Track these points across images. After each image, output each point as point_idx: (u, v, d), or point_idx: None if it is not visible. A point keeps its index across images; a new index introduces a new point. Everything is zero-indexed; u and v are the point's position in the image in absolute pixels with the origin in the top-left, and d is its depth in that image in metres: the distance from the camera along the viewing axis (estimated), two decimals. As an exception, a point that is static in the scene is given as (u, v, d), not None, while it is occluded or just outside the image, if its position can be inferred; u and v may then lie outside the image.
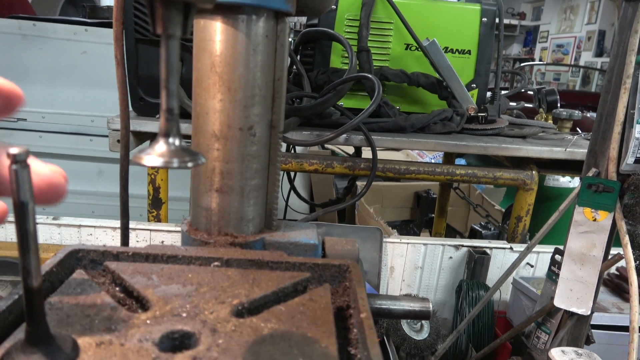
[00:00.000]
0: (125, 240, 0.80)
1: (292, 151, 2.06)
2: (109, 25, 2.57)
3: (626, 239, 1.03)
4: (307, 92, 1.57)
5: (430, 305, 0.78)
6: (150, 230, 1.48)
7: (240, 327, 0.45)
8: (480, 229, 2.96)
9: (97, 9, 3.26)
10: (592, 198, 1.07)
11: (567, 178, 2.27)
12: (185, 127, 1.44)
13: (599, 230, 1.08)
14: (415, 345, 1.43)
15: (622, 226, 1.04)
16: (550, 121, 2.24)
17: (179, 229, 1.48)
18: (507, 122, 1.75)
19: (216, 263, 0.58)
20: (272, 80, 0.65)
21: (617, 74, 1.01)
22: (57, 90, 2.80)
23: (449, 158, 2.37)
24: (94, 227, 1.47)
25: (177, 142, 0.37)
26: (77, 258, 0.58)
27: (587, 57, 10.87)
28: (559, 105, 2.18)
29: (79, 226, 1.47)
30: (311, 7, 0.78)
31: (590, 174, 1.09)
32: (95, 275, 0.56)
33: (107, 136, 1.46)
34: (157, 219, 1.54)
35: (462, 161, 4.39)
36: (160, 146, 0.37)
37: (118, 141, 1.40)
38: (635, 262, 1.04)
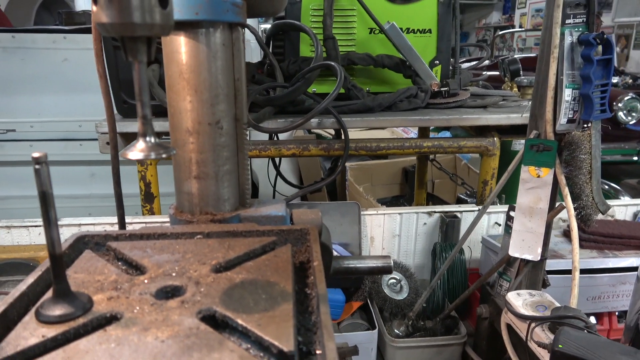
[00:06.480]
0: (122, 228, 0.93)
1: (275, 138, 2.17)
2: (87, 31, 2.64)
3: (566, 191, 1.17)
4: (278, 82, 1.68)
5: (391, 261, 0.92)
6: (146, 223, 1.60)
7: (217, 279, 0.58)
8: (466, 198, 3.09)
9: (73, 15, 3.31)
10: (535, 157, 1.20)
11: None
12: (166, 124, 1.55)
13: (543, 185, 1.21)
14: (396, 304, 1.57)
15: (562, 180, 1.18)
16: (515, 89, 2.37)
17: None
18: (469, 94, 1.87)
19: (199, 236, 0.71)
20: (232, 80, 0.76)
21: (547, 44, 1.14)
22: (43, 99, 2.88)
23: (424, 132, 2.49)
24: (93, 224, 1.59)
25: (152, 139, 0.49)
26: (84, 242, 0.70)
27: (565, 20, 10.90)
28: (521, 73, 2.31)
29: (79, 225, 1.59)
30: (264, 12, 0.90)
31: (531, 135, 1.22)
32: (100, 254, 0.68)
33: (95, 139, 1.57)
34: (151, 212, 1.66)
35: (447, 133, 4.50)
36: (140, 144, 0.49)
37: (107, 143, 1.51)
38: (575, 210, 1.18)
